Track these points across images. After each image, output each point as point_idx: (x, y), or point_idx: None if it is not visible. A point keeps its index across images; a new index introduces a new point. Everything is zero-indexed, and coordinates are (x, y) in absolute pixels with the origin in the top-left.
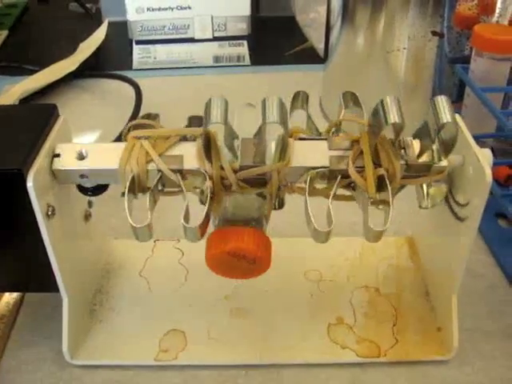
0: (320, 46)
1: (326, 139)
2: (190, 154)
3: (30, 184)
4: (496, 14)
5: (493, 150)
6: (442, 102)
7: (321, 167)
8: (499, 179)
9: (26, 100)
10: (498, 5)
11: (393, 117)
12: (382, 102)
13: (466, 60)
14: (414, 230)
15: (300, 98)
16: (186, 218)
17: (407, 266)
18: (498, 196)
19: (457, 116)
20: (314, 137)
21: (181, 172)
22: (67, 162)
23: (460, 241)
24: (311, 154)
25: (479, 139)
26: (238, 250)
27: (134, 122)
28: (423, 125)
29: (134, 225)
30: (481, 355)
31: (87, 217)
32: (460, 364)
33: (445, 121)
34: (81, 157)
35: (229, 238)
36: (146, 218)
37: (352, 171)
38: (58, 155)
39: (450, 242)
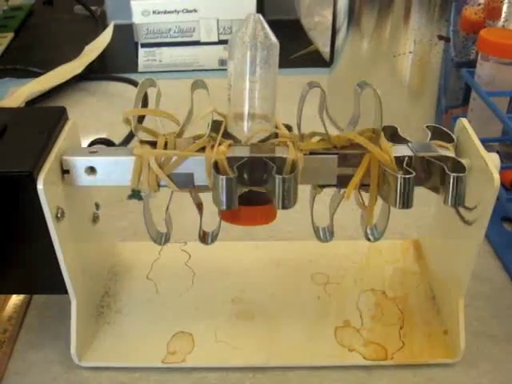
0: (325, 50)
1: (336, 154)
2: (199, 171)
3: (40, 186)
4: (502, 19)
5: (499, 154)
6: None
7: (327, 185)
8: (505, 183)
9: (32, 103)
10: (504, 9)
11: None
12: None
13: (471, 64)
14: (421, 233)
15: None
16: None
17: (413, 269)
18: (503, 200)
19: (463, 120)
20: (324, 151)
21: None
22: (77, 178)
23: (467, 244)
24: (319, 172)
25: (485, 143)
26: (249, 224)
27: (128, 112)
28: (435, 166)
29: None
30: (487, 358)
31: (95, 219)
32: (466, 367)
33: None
34: (91, 172)
35: (241, 217)
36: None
37: (357, 198)
38: (67, 171)
39: (457, 245)
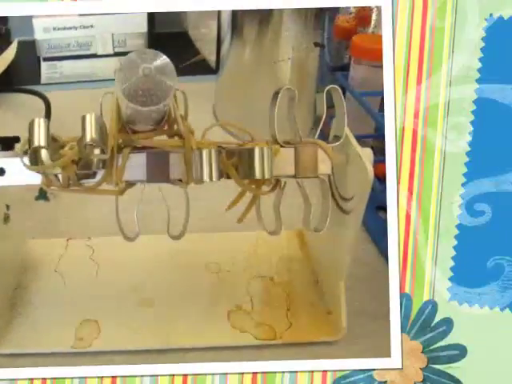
0: (212, 58)
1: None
2: None
3: None
4: (371, 26)
5: (373, 149)
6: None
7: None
8: (379, 175)
9: None
10: (373, 17)
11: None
12: None
13: (345, 68)
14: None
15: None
16: None
17: (298, 256)
18: (378, 191)
19: None
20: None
21: None
22: None
23: (346, 232)
24: None
25: (360, 139)
26: None
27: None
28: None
29: None
30: (367, 335)
31: (6, 219)
32: (349, 344)
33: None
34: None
35: None
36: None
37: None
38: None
39: (337, 233)
